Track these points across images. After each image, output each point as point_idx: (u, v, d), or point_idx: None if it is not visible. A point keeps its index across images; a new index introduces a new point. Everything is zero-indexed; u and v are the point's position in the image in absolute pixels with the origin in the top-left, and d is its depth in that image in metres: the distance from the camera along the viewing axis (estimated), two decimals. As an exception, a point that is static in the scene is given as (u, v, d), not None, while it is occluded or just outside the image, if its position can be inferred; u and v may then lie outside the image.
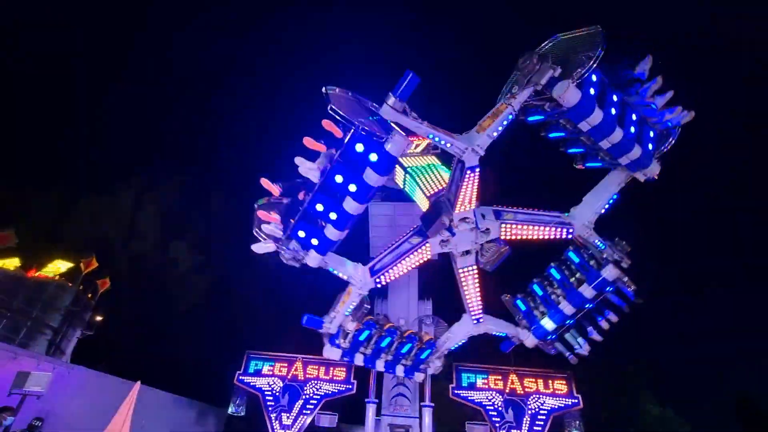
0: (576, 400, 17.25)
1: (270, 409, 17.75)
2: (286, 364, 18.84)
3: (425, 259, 12.62)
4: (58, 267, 22.08)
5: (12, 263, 20.53)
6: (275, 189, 10.51)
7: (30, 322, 18.91)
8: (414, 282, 17.84)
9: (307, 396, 17.99)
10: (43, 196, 40.05)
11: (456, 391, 17.75)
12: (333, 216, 10.31)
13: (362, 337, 13.34)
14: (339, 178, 9.81)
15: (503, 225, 12.11)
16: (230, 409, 18.64)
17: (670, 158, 11.88)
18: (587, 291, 12.34)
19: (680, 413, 34.95)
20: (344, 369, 18.37)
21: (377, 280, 12.21)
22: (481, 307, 13.68)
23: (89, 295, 22.23)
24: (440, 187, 11.86)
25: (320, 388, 18.18)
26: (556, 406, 17.17)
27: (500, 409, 17.09)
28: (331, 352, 13.40)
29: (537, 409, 17.08)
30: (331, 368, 18.46)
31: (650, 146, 11.20)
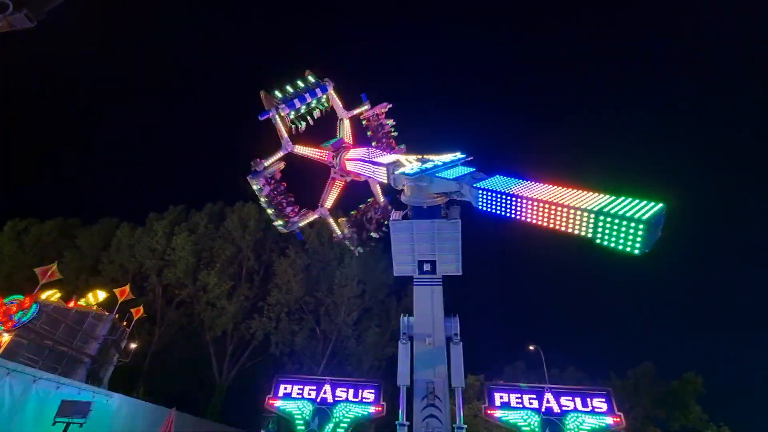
0: (618, 419, 16.26)
1: (301, 433, 17.57)
2: (314, 387, 18.68)
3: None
4: (96, 297, 23.11)
5: (53, 296, 21.64)
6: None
7: (71, 352, 19.73)
8: (439, 299, 17.57)
9: (337, 419, 17.74)
10: (83, 230, 42.30)
11: (489, 412, 17.04)
12: None
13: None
14: None
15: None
16: (262, 434, 18.62)
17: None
18: None
19: None
20: (373, 391, 18.08)
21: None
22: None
23: (124, 324, 23.05)
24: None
25: (350, 410, 17.89)
26: (597, 426, 16.22)
27: (537, 430, 16.31)
28: (252, 181, 17.79)
29: (576, 429, 16.19)
30: (360, 390, 18.19)
31: None
